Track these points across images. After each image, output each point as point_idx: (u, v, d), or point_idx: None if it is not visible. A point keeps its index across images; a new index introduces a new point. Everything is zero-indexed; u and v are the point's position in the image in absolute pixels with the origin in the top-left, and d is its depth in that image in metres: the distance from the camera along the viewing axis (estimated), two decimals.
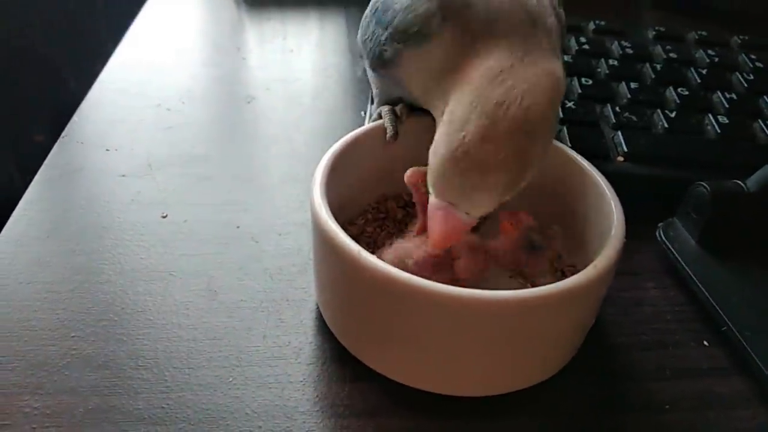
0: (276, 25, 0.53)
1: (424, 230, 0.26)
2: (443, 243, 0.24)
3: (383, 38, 0.27)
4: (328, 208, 0.24)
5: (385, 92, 0.31)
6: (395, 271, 0.21)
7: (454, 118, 0.23)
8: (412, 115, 0.29)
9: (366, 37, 0.29)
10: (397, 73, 0.28)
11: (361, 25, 0.31)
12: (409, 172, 0.26)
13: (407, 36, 0.26)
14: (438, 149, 0.23)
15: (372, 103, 0.33)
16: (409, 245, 0.26)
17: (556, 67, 0.23)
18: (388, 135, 0.28)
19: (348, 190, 0.28)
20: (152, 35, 0.50)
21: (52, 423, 0.23)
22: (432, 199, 0.24)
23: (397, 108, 0.29)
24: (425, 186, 0.25)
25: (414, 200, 0.27)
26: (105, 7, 0.80)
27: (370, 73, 0.31)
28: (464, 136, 0.22)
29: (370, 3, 0.30)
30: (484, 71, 0.23)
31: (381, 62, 0.28)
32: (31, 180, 0.34)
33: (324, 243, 0.23)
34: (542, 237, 0.27)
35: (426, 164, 0.25)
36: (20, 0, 0.79)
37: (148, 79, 0.44)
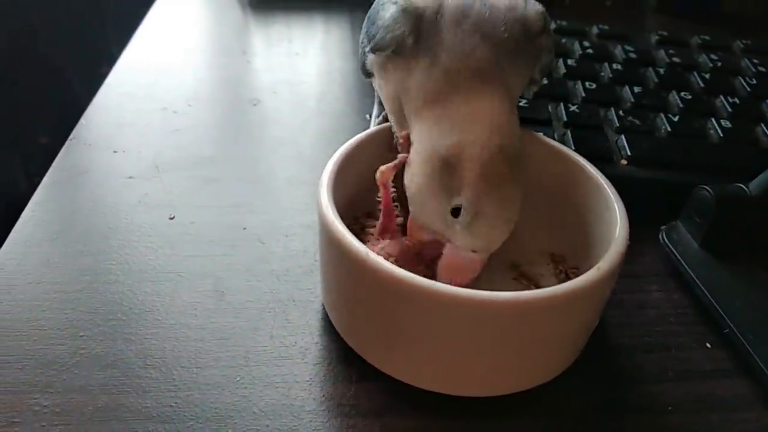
0: (281, 29, 0.54)
1: (383, 232, 0.27)
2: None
3: (366, 49, 0.28)
4: (335, 210, 0.24)
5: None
6: (402, 272, 0.22)
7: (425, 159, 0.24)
8: None
9: (360, 42, 0.31)
10: (374, 83, 0.29)
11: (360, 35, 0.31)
12: (382, 169, 0.26)
13: (383, 52, 0.27)
14: (426, 204, 0.25)
15: (376, 106, 0.34)
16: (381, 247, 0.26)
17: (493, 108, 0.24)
18: (395, 141, 0.28)
19: (354, 192, 0.28)
20: (158, 39, 0.51)
21: (61, 421, 0.23)
22: (462, 250, 0.24)
23: None
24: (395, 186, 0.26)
25: (380, 199, 0.27)
26: (109, 10, 0.81)
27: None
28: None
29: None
30: (436, 115, 0.25)
31: (364, 71, 0.30)
32: (35, 181, 0.34)
33: (331, 244, 0.24)
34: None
35: None
36: (26, 2, 0.79)
37: (154, 82, 0.44)
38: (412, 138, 0.26)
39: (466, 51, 0.25)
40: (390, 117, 0.29)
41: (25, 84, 0.84)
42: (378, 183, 0.26)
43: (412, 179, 0.25)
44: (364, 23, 0.30)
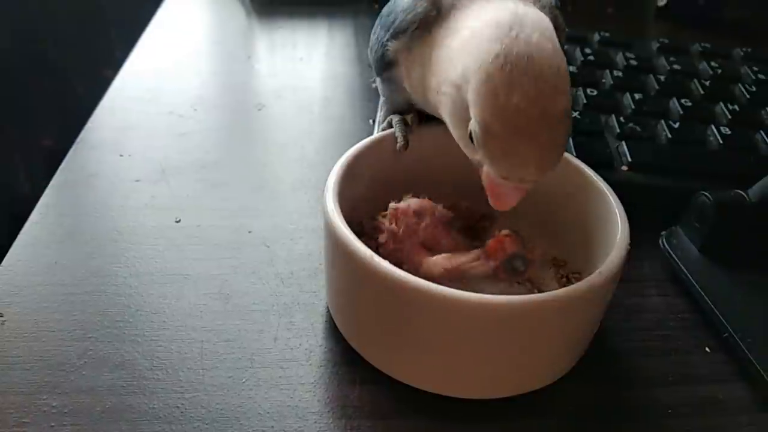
0: (286, 34, 0.54)
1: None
2: (511, 208, 0.24)
3: (385, 39, 0.28)
4: (341, 214, 0.24)
5: (393, 101, 0.32)
6: (406, 275, 0.22)
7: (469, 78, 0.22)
8: (423, 124, 0.30)
9: (372, 44, 0.31)
10: (399, 73, 0.29)
11: (370, 38, 0.32)
12: (395, 206, 0.27)
13: (406, 35, 0.27)
14: (486, 122, 0.22)
15: (381, 110, 0.34)
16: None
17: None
18: (398, 144, 0.29)
19: (359, 197, 0.28)
20: (164, 43, 0.51)
21: (70, 421, 0.24)
22: (495, 177, 0.23)
23: (408, 117, 0.30)
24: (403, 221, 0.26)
25: (385, 228, 0.27)
26: (113, 13, 0.81)
27: (378, 81, 0.32)
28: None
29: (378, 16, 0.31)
30: (482, 26, 0.23)
31: (383, 64, 0.29)
32: (37, 183, 0.35)
33: (337, 248, 0.24)
34: (523, 261, 0.25)
35: (433, 172, 0.26)
36: (30, 5, 0.80)
37: (160, 86, 0.45)
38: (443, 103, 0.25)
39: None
40: (416, 99, 0.29)
41: (27, 86, 0.85)
42: (391, 216, 0.27)
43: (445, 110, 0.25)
44: (377, 22, 0.30)
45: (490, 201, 0.24)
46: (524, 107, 0.21)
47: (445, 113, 0.25)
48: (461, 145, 0.25)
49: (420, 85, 0.27)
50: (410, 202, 0.27)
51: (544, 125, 0.21)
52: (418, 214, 0.26)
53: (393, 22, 0.28)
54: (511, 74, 0.21)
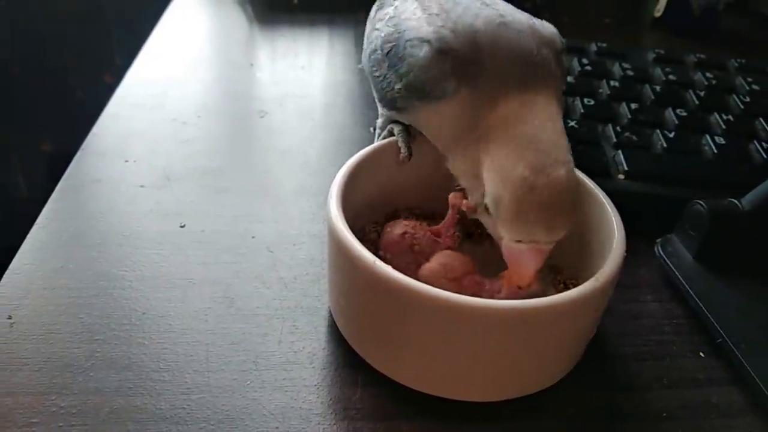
0: (287, 42, 0.55)
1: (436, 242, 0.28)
2: (530, 279, 0.25)
3: (396, 87, 0.28)
4: (344, 220, 0.25)
5: (393, 118, 0.32)
6: (408, 280, 0.23)
7: (499, 164, 0.24)
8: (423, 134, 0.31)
9: (377, 74, 0.30)
10: (410, 118, 0.30)
11: (367, 53, 0.31)
12: (453, 194, 0.28)
13: (422, 94, 0.27)
14: (502, 196, 0.24)
15: (380, 117, 0.34)
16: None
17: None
18: (402, 155, 0.30)
19: (361, 203, 0.29)
20: (167, 51, 0.52)
21: (78, 422, 0.24)
22: (511, 243, 0.24)
23: (411, 126, 0.31)
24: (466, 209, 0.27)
25: (447, 220, 0.28)
26: (114, 20, 0.82)
27: (379, 107, 0.33)
28: (523, 175, 0.23)
29: (377, 32, 0.30)
30: (509, 124, 0.25)
31: (394, 107, 0.30)
32: (35, 187, 0.35)
33: (340, 252, 0.25)
34: (539, 289, 0.26)
35: (433, 180, 0.26)
36: (31, 11, 0.81)
37: (163, 93, 0.45)
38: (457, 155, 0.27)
39: (513, 69, 0.25)
40: (432, 141, 0.29)
41: (27, 91, 0.85)
42: (450, 204, 0.28)
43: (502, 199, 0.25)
44: (382, 55, 0.29)
45: (512, 276, 0.25)
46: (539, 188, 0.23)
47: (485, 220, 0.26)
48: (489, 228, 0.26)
49: (437, 139, 0.28)
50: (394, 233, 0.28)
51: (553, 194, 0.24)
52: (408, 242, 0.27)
53: (406, 74, 0.27)
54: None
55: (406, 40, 0.27)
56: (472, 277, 0.26)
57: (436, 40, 0.26)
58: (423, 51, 0.26)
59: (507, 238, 0.24)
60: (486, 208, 0.25)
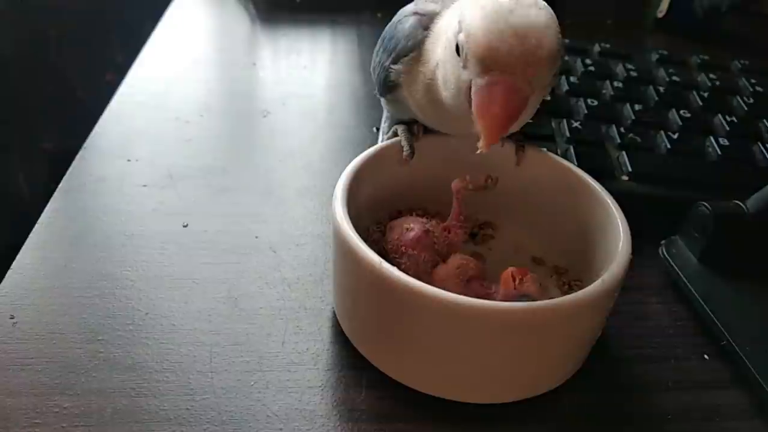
0: (290, 42, 0.55)
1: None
2: (502, 124, 0.22)
3: (387, 63, 0.30)
4: (349, 220, 0.25)
5: (397, 116, 0.32)
6: (414, 281, 0.22)
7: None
8: (427, 134, 0.31)
9: (374, 65, 0.32)
10: (402, 93, 0.30)
11: (373, 59, 0.33)
12: (455, 181, 0.28)
13: (407, 58, 0.28)
14: (471, 25, 0.23)
15: (385, 122, 0.34)
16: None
17: None
18: (404, 153, 0.30)
19: (365, 204, 0.29)
20: (169, 50, 0.52)
21: (81, 422, 0.24)
22: (481, 81, 0.22)
23: (414, 126, 0.31)
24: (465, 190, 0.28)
25: (453, 210, 0.29)
26: (114, 18, 0.82)
27: (382, 102, 0.33)
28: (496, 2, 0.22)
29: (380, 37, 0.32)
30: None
31: (387, 86, 0.30)
32: (36, 186, 0.35)
33: (345, 254, 0.25)
34: (536, 292, 0.25)
35: (436, 180, 0.26)
36: (32, 10, 0.80)
37: (166, 93, 0.45)
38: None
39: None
40: (421, 117, 0.30)
41: (28, 90, 0.85)
42: (453, 189, 0.28)
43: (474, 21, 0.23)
44: (379, 46, 0.31)
45: (479, 122, 0.23)
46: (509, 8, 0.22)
47: (440, 79, 0.26)
48: (449, 98, 0.25)
49: (423, 98, 0.28)
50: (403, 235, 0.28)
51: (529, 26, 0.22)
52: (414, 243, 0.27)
53: (395, 47, 0.29)
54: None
55: (398, 21, 0.30)
56: (479, 281, 0.26)
57: (422, 11, 0.28)
58: (410, 21, 0.28)
59: (476, 75, 0.22)
60: (457, 49, 0.23)
